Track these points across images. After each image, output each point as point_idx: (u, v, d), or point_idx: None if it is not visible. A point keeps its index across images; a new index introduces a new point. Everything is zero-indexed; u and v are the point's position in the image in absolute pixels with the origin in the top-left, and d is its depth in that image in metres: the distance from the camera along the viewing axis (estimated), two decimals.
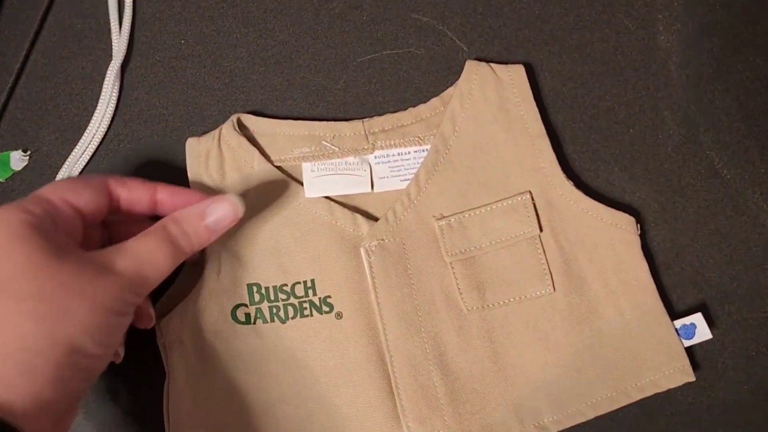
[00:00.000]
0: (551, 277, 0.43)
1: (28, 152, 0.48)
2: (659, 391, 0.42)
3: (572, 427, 0.42)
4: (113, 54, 0.49)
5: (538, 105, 0.46)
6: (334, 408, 0.42)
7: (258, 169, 0.45)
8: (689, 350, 0.43)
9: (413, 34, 0.49)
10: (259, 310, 0.44)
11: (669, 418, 0.44)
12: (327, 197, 0.45)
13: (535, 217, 0.44)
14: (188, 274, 0.44)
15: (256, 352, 0.43)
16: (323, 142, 0.46)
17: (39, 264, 0.33)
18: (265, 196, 0.45)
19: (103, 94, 0.48)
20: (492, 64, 0.46)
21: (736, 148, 0.47)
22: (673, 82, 0.48)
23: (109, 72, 0.48)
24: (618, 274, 0.43)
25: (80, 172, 0.48)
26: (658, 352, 0.42)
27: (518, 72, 0.46)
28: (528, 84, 0.46)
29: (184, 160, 0.46)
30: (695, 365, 0.44)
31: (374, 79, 0.49)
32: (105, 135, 0.49)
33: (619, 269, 0.43)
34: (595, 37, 0.49)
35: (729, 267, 0.46)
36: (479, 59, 0.47)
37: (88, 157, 0.48)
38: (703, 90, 0.48)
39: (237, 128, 0.46)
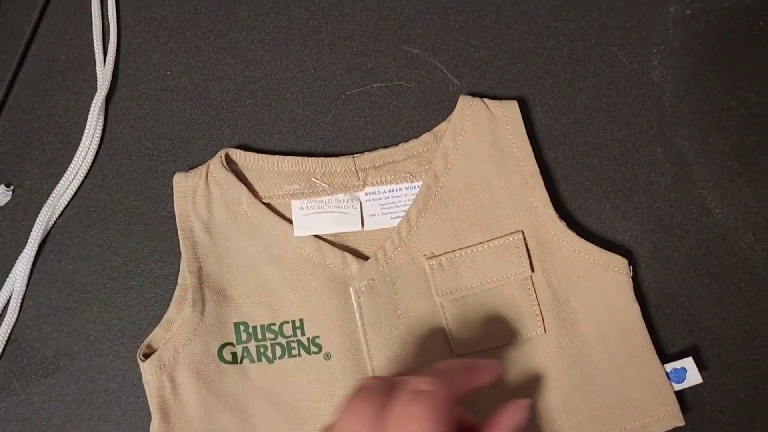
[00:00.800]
0: (542, 318, 0.43)
1: (11, 187, 0.47)
2: None
3: None
4: (98, 86, 0.48)
5: (531, 141, 0.45)
6: None
7: (246, 206, 0.45)
8: (679, 393, 0.43)
9: (404, 67, 0.48)
10: (246, 350, 0.43)
11: None
12: (316, 236, 0.45)
13: (527, 257, 0.43)
14: (173, 314, 0.44)
15: (242, 391, 0.43)
16: (313, 179, 0.45)
17: None
18: (253, 234, 0.44)
19: (87, 127, 0.48)
20: (485, 100, 0.46)
21: (729, 186, 0.46)
22: (666, 119, 0.47)
23: (93, 104, 0.48)
24: (610, 317, 0.43)
25: (64, 209, 0.47)
26: (648, 396, 0.42)
27: (512, 108, 0.46)
28: (521, 121, 0.45)
29: (170, 194, 0.45)
30: (685, 408, 0.44)
31: (364, 112, 0.48)
32: (90, 169, 0.48)
33: (610, 312, 0.43)
34: (588, 71, 0.48)
35: (720, 308, 0.45)
36: (471, 93, 0.46)
37: (73, 192, 0.47)
38: (697, 127, 0.47)
39: (225, 164, 0.45)
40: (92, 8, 0.49)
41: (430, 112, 0.48)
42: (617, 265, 0.43)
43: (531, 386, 0.43)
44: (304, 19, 0.49)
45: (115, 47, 0.49)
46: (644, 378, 0.42)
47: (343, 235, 0.45)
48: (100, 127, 0.48)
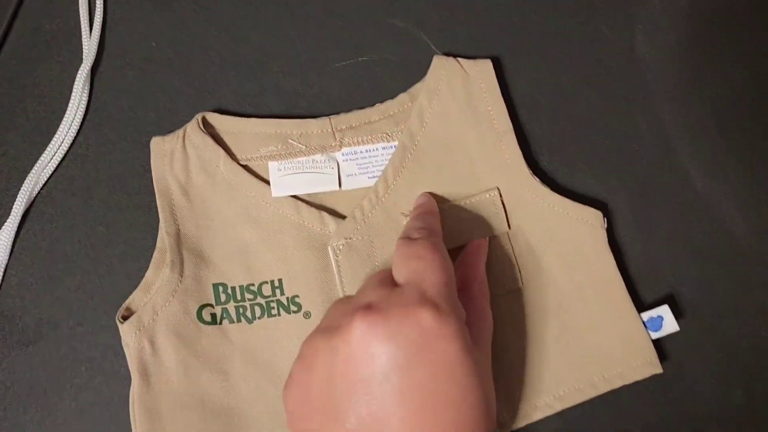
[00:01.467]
0: (520, 272, 0.43)
1: None
2: (627, 383, 0.42)
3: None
4: (83, 57, 0.48)
5: (506, 101, 0.45)
6: None
7: (224, 168, 0.45)
8: (657, 342, 0.43)
9: (390, 40, 0.48)
10: (225, 310, 0.43)
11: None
12: (294, 196, 0.45)
13: (504, 213, 0.44)
14: (152, 276, 0.44)
15: (222, 352, 0.43)
16: (290, 140, 0.45)
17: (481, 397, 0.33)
18: (231, 195, 0.45)
19: (72, 97, 0.48)
20: (460, 59, 0.46)
21: (711, 160, 0.47)
22: (650, 93, 0.47)
23: (78, 75, 0.47)
24: (585, 269, 0.43)
25: (48, 178, 0.47)
26: (626, 345, 0.42)
27: (486, 67, 0.46)
28: (495, 79, 0.46)
29: None
30: (663, 357, 0.44)
31: (349, 85, 0.48)
32: (74, 139, 0.48)
33: (586, 264, 0.43)
34: (574, 46, 0.48)
35: (702, 280, 0.45)
36: (452, 52, 0.47)
37: (58, 161, 0.47)
38: (680, 101, 0.47)
39: (202, 127, 0.45)
40: None
41: (414, 84, 0.48)
42: (591, 217, 0.44)
43: (510, 338, 0.43)
44: None
45: (101, 18, 0.49)
46: (621, 327, 0.42)
47: (321, 196, 0.46)
48: (85, 98, 0.48)
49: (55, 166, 0.47)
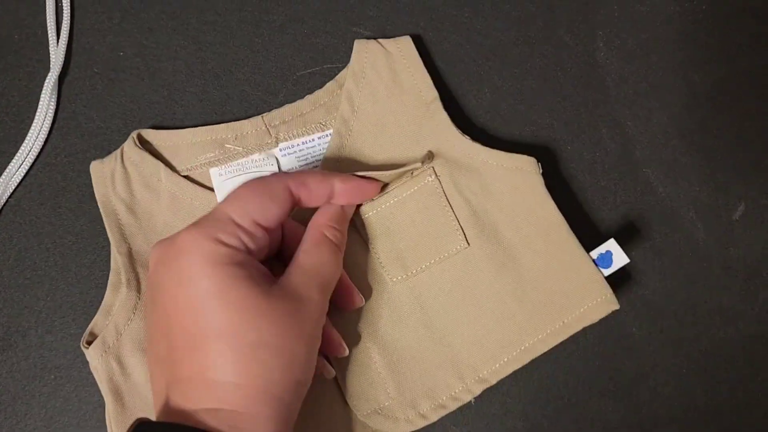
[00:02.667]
0: (463, 232, 0.43)
1: None
2: (587, 324, 0.42)
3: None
4: (51, 66, 0.49)
5: (433, 73, 0.46)
6: None
7: (166, 181, 0.45)
8: (612, 279, 0.42)
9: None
10: None
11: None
12: None
13: (436, 179, 0.44)
14: (110, 299, 0.44)
15: None
16: (226, 144, 0.46)
17: (255, 311, 0.34)
18: (176, 207, 0.45)
19: (40, 106, 0.48)
20: (380, 40, 0.47)
21: (672, 165, 0.47)
22: (611, 99, 0.48)
23: (46, 84, 0.48)
24: (528, 217, 0.43)
25: (16, 187, 0.47)
26: (580, 286, 0.42)
27: (406, 43, 0.47)
28: (416, 52, 0.46)
29: None
30: (625, 361, 0.44)
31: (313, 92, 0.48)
32: (42, 148, 0.48)
33: (528, 212, 0.43)
34: (535, 53, 0.49)
35: (662, 283, 0.46)
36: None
37: (25, 171, 0.48)
38: (641, 107, 0.48)
39: (138, 144, 0.45)
40: None
41: None
42: (526, 165, 0.44)
43: (466, 298, 0.43)
44: (256, 0, 0.50)
45: (69, 28, 0.49)
46: (573, 269, 0.43)
47: None
48: (53, 107, 0.48)
49: (23, 174, 0.48)
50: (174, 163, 0.46)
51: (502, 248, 0.43)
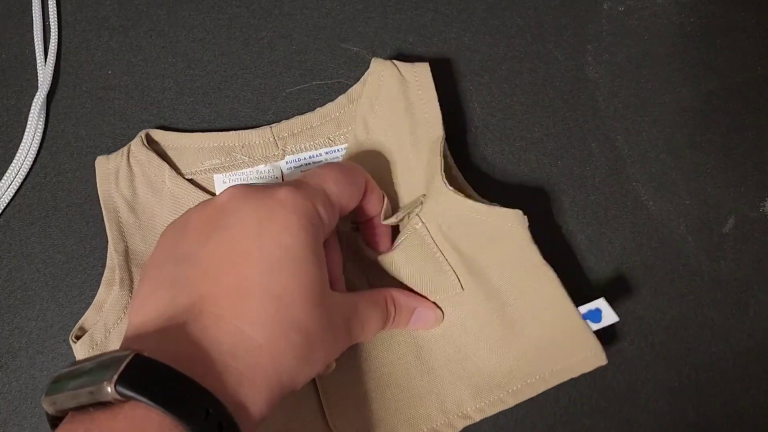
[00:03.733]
0: (457, 276, 0.43)
1: None
2: (575, 375, 0.42)
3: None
4: (39, 84, 0.49)
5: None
6: None
7: (169, 183, 0.45)
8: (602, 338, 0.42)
9: (343, 65, 0.49)
10: None
11: None
12: None
13: (422, 223, 0.43)
14: (103, 296, 0.44)
15: None
16: (233, 153, 0.46)
17: (315, 298, 0.33)
18: (177, 210, 0.45)
19: (28, 125, 0.48)
20: (397, 63, 0.45)
21: (662, 180, 0.47)
22: (600, 114, 0.48)
23: (34, 103, 0.48)
24: (517, 269, 0.43)
25: (5, 207, 0.47)
26: (569, 338, 0.42)
27: (423, 71, 0.45)
28: (433, 83, 0.45)
29: None
30: (615, 376, 0.44)
31: (304, 109, 0.48)
32: (31, 167, 0.48)
33: (516, 263, 0.43)
34: (524, 68, 0.49)
35: (653, 298, 0.46)
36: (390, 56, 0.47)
37: (14, 190, 0.48)
38: (631, 121, 0.48)
39: (146, 143, 0.45)
40: (33, 8, 0.50)
41: None
42: (512, 219, 0.43)
43: (459, 338, 0.43)
44: (245, 17, 0.50)
45: (56, 46, 0.49)
46: (562, 321, 0.42)
47: None
48: (41, 126, 0.48)
49: (12, 194, 0.48)
50: (179, 165, 0.46)
51: (493, 295, 0.43)
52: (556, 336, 0.42)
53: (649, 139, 0.48)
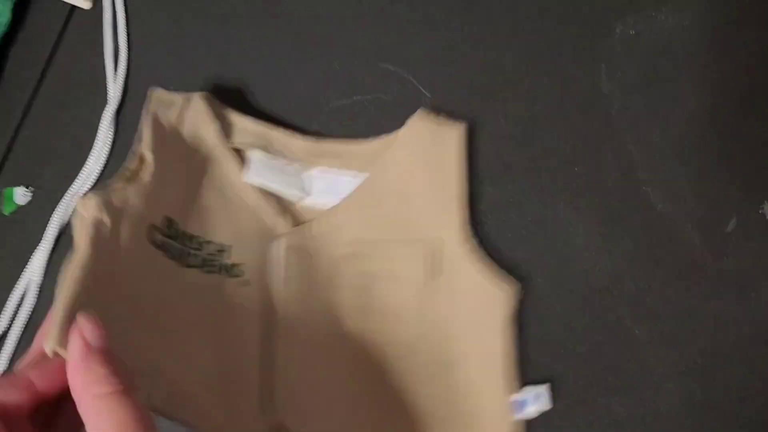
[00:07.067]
0: (428, 322, 0.46)
1: (31, 188, 0.53)
2: None
3: None
4: (108, 99, 0.54)
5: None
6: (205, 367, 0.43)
7: (210, 137, 0.49)
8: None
9: (381, 82, 0.54)
10: (168, 243, 0.45)
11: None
12: (261, 189, 0.49)
13: (431, 264, 0.47)
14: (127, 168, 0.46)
15: (157, 274, 0.43)
16: (273, 146, 0.50)
17: None
18: (207, 163, 0.49)
19: (98, 136, 0.53)
20: (438, 120, 0.50)
21: (670, 184, 0.52)
22: (614, 125, 0.53)
23: (104, 116, 0.53)
24: (482, 336, 0.45)
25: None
26: (498, 417, 0.45)
27: (459, 132, 0.50)
28: (465, 145, 0.49)
29: None
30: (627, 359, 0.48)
31: (346, 122, 0.53)
32: (101, 173, 0.53)
33: (486, 331, 0.45)
34: (545, 83, 0.54)
35: (662, 292, 0.50)
36: (436, 107, 0.52)
37: (86, 191, 0.53)
38: (641, 131, 0.53)
39: (205, 99, 0.50)
40: (104, 31, 0.56)
41: (404, 121, 0.53)
42: (505, 291, 0.46)
43: (408, 386, 0.46)
44: (290, 37, 0.55)
45: (125, 66, 0.55)
46: (496, 401, 0.45)
47: (285, 200, 0.50)
48: (110, 136, 0.54)
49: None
50: (224, 132, 0.49)
51: (446, 355, 0.46)
52: (486, 411, 0.45)
53: (658, 147, 0.53)
